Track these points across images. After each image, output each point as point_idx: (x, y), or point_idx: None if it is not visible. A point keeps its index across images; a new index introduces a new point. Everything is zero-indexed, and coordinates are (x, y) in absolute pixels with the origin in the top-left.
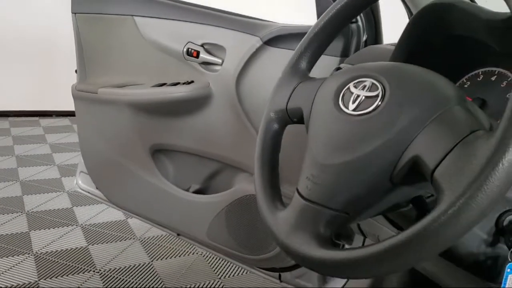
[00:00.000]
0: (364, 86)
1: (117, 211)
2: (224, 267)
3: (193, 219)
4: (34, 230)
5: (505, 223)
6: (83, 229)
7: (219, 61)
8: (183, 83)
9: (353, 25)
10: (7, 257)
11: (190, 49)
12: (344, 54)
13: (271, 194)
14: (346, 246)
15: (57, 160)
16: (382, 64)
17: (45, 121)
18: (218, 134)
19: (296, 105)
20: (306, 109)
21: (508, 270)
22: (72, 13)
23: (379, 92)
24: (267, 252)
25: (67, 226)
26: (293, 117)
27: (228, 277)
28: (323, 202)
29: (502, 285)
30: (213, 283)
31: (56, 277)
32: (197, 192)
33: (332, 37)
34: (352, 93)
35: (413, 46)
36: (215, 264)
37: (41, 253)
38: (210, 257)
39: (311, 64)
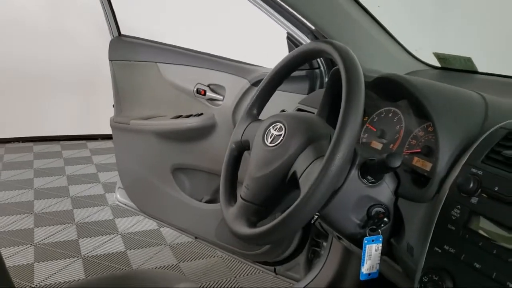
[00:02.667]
0: (276, 128)
1: (151, 222)
2: (239, 268)
3: (205, 224)
4: (82, 238)
5: (372, 213)
6: (122, 237)
7: (221, 97)
8: (195, 115)
9: (317, 70)
10: (60, 259)
11: (199, 89)
12: (310, 92)
13: (228, 197)
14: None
15: (101, 178)
16: (288, 113)
17: (92, 144)
18: (222, 154)
19: (246, 139)
20: (251, 141)
21: (366, 241)
22: (109, 60)
23: (282, 132)
24: (259, 248)
25: (109, 234)
26: (245, 146)
27: (242, 276)
28: (251, 200)
29: (363, 252)
30: (229, 281)
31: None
32: (208, 202)
33: (273, 91)
34: (270, 132)
35: (333, 94)
36: (231, 266)
37: (88, 256)
38: (227, 260)
39: (260, 109)
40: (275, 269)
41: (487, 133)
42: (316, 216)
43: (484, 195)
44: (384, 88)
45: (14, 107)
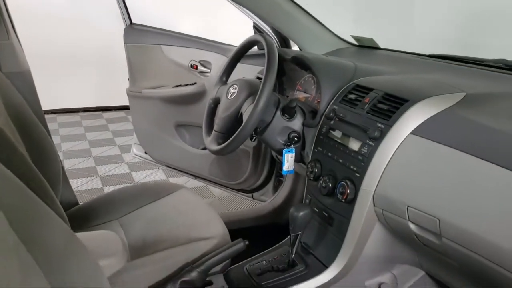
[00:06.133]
0: (233, 87)
1: (161, 173)
2: (230, 205)
3: (201, 165)
4: (106, 186)
5: (290, 136)
6: None
7: (209, 71)
8: (190, 84)
9: None
10: None
11: (192, 64)
12: None
13: (207, 131)
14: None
15: (117, 142)
16: (241, 79)
17: (107, 114)
18: None
19: (218, 96)
20: (221, 97)
21: (284, 152)
22: (124, 44)
23: (236, 90)
24: (239, 178)
25: (127, 184)
26: (218, 101)
27: (232, 209)
28: (219, 130)
29: (283, 158)
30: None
31: None
32: (203, 149)
33: (235, 65)
34: (230, 90)
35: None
36: (225, 204)
37: None
38: (222, 199)
39: (228, 77)
40: (252, 195)
41: (346, 86)
42: (255, 137)
43: (337, 119)
44: (300, 62)
45: (39, 84)
